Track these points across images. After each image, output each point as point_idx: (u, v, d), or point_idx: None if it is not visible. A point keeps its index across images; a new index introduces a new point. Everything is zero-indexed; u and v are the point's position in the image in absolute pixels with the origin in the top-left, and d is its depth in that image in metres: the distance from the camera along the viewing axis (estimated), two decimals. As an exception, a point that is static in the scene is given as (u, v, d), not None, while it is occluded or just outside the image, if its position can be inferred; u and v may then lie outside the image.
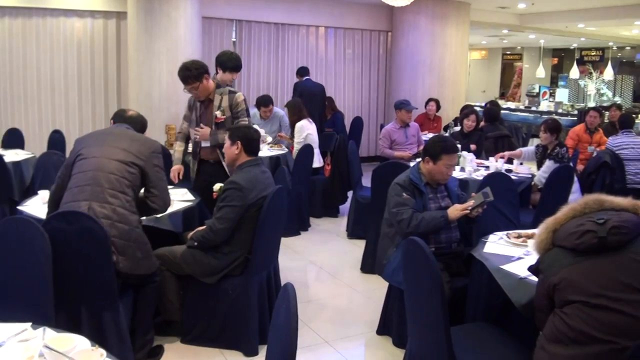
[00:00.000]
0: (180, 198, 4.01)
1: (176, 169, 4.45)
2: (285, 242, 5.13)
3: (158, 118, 7.29)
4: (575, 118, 11.75)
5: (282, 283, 2.16)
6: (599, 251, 2.05)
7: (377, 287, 4.43)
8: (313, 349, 3.62)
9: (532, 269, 2.50)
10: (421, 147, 6.48)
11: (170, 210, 3.67)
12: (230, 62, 4.82)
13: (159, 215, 3.53)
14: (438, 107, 8.77)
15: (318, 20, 9.79)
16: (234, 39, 9.18)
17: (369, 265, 4.84)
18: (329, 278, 4.88)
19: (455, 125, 8.47)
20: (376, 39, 10.49)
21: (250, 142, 3.56)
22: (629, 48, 17.88)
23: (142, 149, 3.19)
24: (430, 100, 8.78)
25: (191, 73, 4.17)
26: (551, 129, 5.64)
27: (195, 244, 3.41)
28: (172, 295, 3.52)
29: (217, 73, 4.93)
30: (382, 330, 3.79)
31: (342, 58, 10.20)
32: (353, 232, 5.90)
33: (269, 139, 6.44)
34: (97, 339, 2.06)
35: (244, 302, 3.42)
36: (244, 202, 3.35)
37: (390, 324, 3.69)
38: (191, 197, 4.09)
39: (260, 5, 9.13)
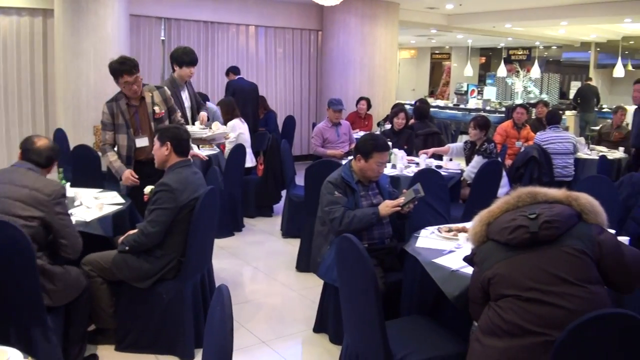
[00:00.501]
0: (110, 201, 3.90)
1: (128, 172, 4.19)
2: (219, 243, 5.09)
3: (86, 119, 7.03)
4: (503, 115, 12.11)
5: (217, 285, 2.13)
6: (531, 245, 2.10)
7: (312, 286, 4.45)
8: (250, 350, 3.60)
9: (467, 259, 2.56)
10: (353, 145, 6.55)
11: (100, 213, 3.56)
12: (186, 56, 4.75)
13: (88, 220, 3.43)
14: (369, 106, 8.90)
15: (248, 19, 9.72)
16: (162, 38, 8.99)
17: (304, 264, 4.85)
18: (264, 278, 4.86)
19: (386, 123, 8.59)
20: (307, 38, 10.52)
21: (180, 143, 3.49)
22: (555, 47, 18.61)
23: (42, 197, 2.93)
24: (361, 98, 8.89)
25: (133, 63, 4.08)
26: (480, 125, 5.81)
27: (127, 248, 3.31)
28: (105, 303, 3.40)
29: (173, 71, 4.84)
30: (318, 328, 3.80)
31: (273, 57, 10.17)
32: (287, 231, 5.90)
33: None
34: (27, 352, 1.97)
35: (179, 306, 3.36)
36: (176, 204, 3.28)
37: (327, 322, 3.71)
38: (121, 200, 3.98)
39: (189, 3, 8.98)
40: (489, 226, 2.30)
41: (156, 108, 4.24)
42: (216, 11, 9.30)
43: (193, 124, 5.00)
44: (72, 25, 7.12)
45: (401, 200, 3.49)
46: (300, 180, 5.52)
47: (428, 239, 3.31)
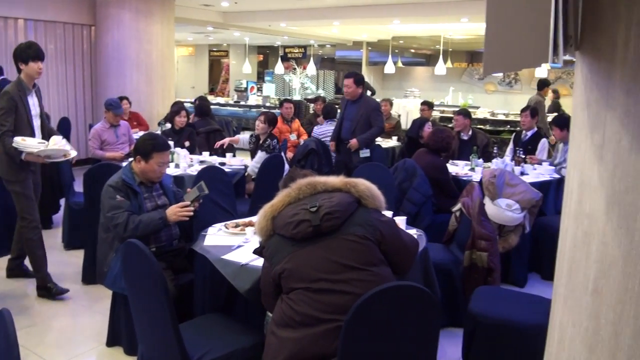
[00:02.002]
0: None
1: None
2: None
3: None
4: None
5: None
6: (315, 237, 2.18)
7: (101, 297, 4.24)
8: (38, 375, 3.31)
9: (257, 251, 2.61)
10: (133, 147, 6.32)
11: None
12: (30, 50, 4.23)
13: None
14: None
15: (15, 12, 8.75)
16: None
17: (90, 276, 4.55)
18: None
19: (166, 122, 8.44)
20: (79, 33, 9.80)
21: None
22: (329, 46, 19.73)
23: None
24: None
25: None
26: (270, 120, 6.04)
27: None
28: None
29: (19, 72, 4.33)
30: (111, 341, 3.61)
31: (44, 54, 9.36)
32: (70, 243, 5.51)
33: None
34: None
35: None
36: None
37: (119, 333, 3.55)
38: None
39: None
40: (274, 220, 2.33)
41: None
42: (-23, 2, 8.27)
43: (43, 136, 4.43)
44: None
45: (187, 202, 3.44)
46: (79, 186, 5.17)
47: (216, 236, 3.34)
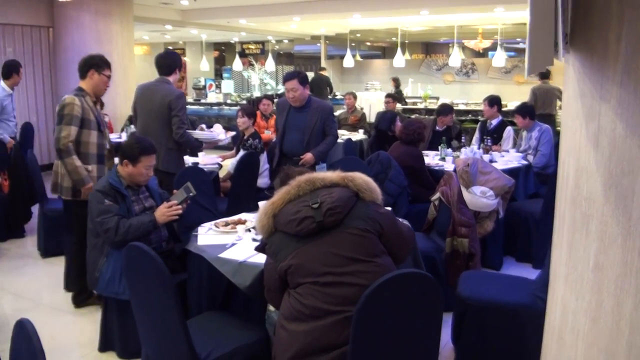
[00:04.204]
0: None
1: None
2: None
3: None
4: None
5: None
6: (319, 233, 2.25)
7: (87, 303, 4.23)
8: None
9: (259, 249, 2.67)
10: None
11: None
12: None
13: None
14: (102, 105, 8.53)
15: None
16: None
17: (72, 283, 4.50)
18: (32, 307, 4.37)
19: (131, 124, 8.38)
20: (37, 35, 9.61)
21: None
22: (286, 41, 19.74)
23: None
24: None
25: None
26: (248, 113, 6.09)
27: None
28: None
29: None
30: (104, 346, 3.61)
31: (2, 58, 9.15)
32: (47, 250, 5.40)
33: None
34: None
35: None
36: None
37: (112, 338, 3.55)
38: None
39: None
40: (275, 218, 2.37)
41: None
42: None
43: None
44: None
45: (174, 203, 3.48)
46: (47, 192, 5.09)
47: (207, 235, 3.37)
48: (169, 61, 4.82)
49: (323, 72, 14.36)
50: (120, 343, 3.50)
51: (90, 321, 3.98)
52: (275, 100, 7.95)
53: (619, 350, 1.52)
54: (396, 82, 13.14)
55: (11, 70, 6.41)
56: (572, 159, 1.74)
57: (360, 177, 2.45)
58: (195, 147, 5.03)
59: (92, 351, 3.65)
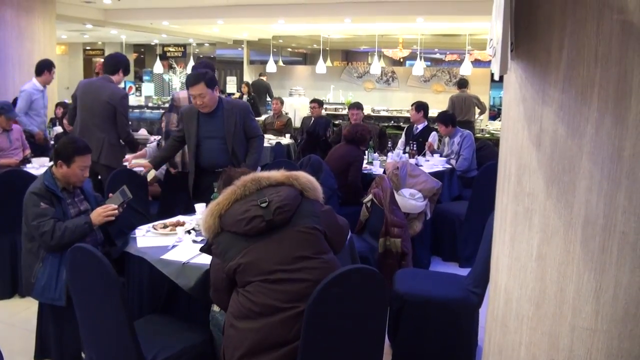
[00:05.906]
0: None
1: None
2: None
3: None
4: (167, 110, 12.33)
5: None
6: (267, 232, 2.28)
7: (21, 310, 4.09)
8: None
9: (204, 249, 2.67)
10: (27, 152, 6.07)
11: None
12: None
13: None
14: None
15: None
16: None
17: (5, 289, 4.36)
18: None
19: (54, 125, 8.17)
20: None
21: None
22: (208, 44, 19.53)
23: None
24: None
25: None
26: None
27: None
28: None
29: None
30: (40, 354, 3.48)
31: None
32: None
33: None
34: None
35: None
36: None
37: (48, 346, 3.43)
38: None
39: None
40: (220, 218, 2.36)
41: None
42: None
43: None
44: None
45: (112, 206, 3.43)
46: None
47: (146, 238, 3.33)
48: (115, 61, 5.24)
49: (263, 78, 14.34)
50: (57, 350, 3.37)
51: (23, 329, 3.82)
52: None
53: (562, 333, 1.67)
54: (248, 87, 13.20)
55: (43, 68, 6.79)
56: (514, 158, 1.88)
57: (304, 176, 2.50)
58: (136, 146, 5.45)
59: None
